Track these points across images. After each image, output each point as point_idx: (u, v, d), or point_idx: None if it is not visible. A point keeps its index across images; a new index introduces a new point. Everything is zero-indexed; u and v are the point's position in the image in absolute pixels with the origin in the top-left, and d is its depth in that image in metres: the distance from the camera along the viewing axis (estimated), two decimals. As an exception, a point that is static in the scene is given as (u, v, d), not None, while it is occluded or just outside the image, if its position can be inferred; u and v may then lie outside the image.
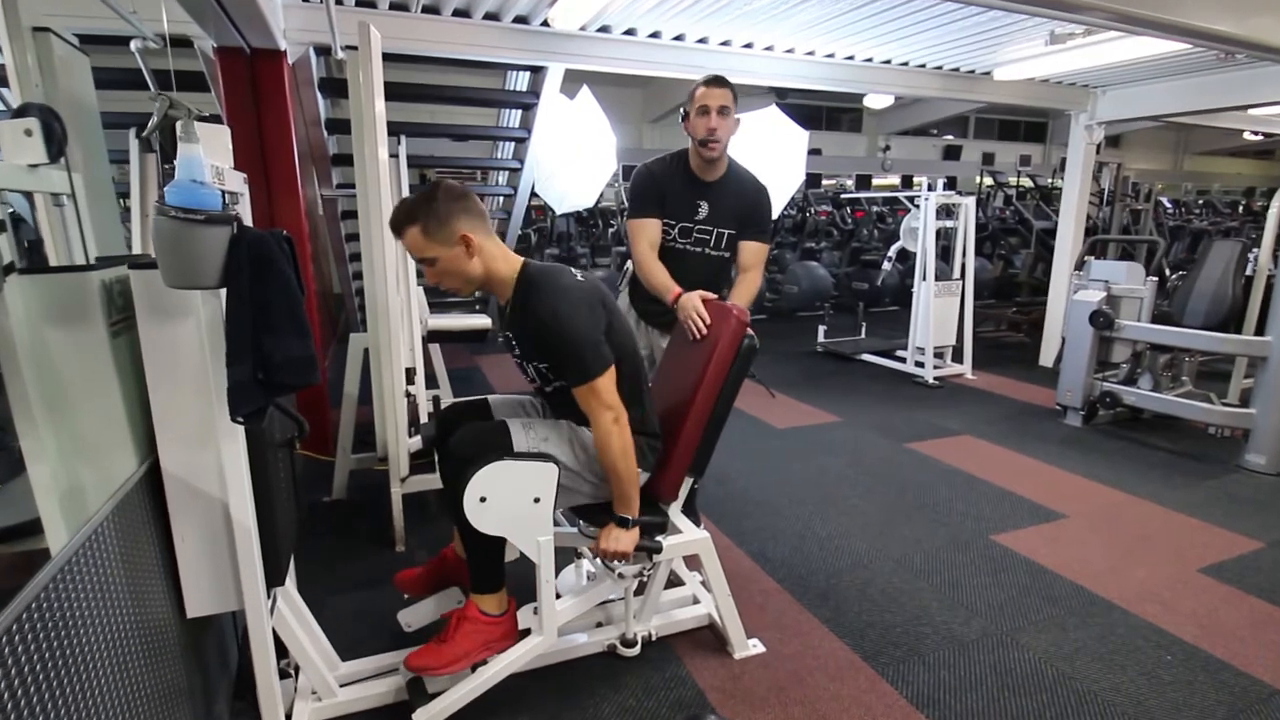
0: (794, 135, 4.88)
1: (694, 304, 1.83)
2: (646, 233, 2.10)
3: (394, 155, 2.75)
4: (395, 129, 2.74)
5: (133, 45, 1.74)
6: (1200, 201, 10.90)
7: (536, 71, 4.02)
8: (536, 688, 1.70)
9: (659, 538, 1.67)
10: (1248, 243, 4.25)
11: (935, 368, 4.82)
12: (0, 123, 1.37)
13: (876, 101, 9.94)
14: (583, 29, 3.42)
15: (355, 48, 2.03)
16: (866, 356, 5.41)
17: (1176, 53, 3.73)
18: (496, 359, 5.45)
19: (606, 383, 1.48)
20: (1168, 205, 9.37)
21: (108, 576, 1.03)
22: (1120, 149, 14.61)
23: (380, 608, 1.95)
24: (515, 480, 1.47)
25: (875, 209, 9.01)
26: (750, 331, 1.69)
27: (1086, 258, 4.14)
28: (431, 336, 3.31)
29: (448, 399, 3.38)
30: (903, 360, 5.07)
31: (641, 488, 1.62)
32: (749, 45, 3.78)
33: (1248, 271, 4.16)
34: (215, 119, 1.48)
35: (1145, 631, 1.97)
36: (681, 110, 2.07)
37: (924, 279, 4.75)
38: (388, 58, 2.20)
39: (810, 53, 3.95)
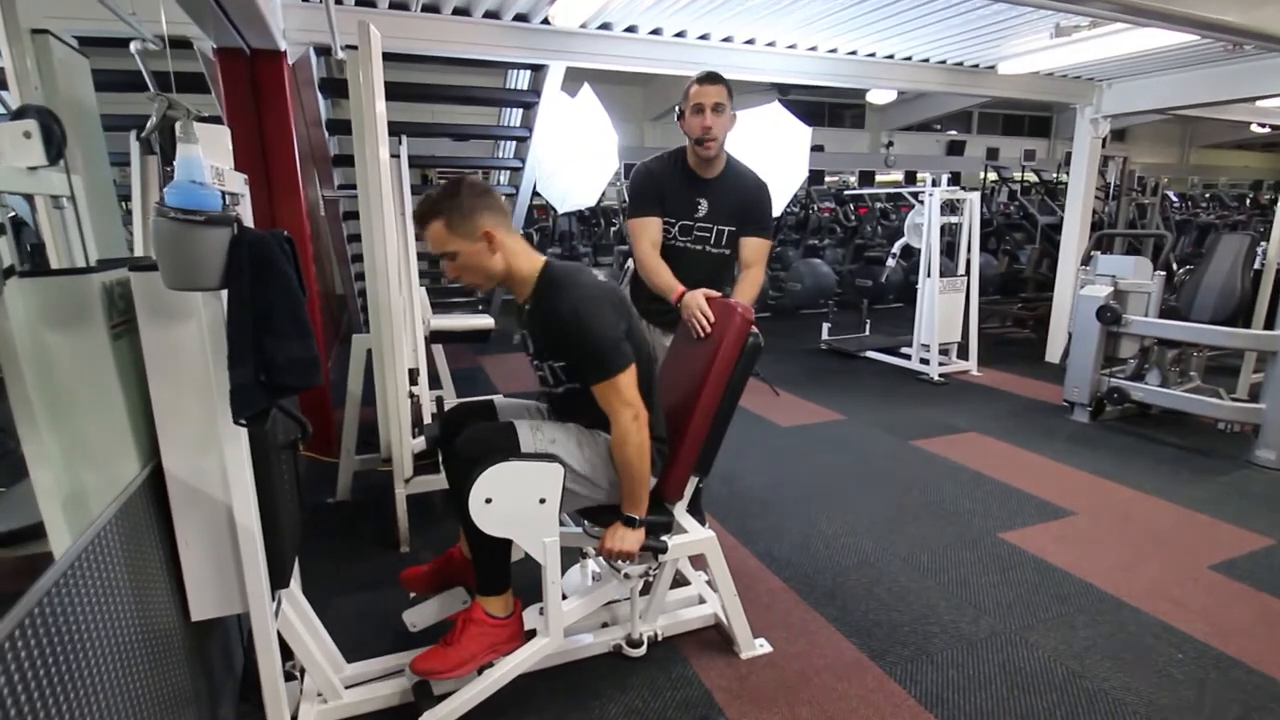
0: (797, 131, 4.86)
1: (698, 302, 1.82)
2: (648, 232, 2.08)
3: (395, 155, 2.73)
4: (396, 129, 2.72)
5: (132, 47, 1.73)
6: (1206, 195, 10.84)
7: (537, 70, 4.01)
8: (542, 688, 1.69)
9: (664, 537, 1.66)
10: (1256, 236, 4.22)
11: (940, 364, 4.79)
12: None
13: (879, 96, 9.89)
14: (583, 26, 3.40)
15: (355, 47, 2.03)
16: (871, 354, 5.39)
17: (1183, 44, 3.70)
18: (499, 359, 5.44)
19: (628, 380, 1.48)
20: (1174, 199, 9.32)
21: (111, 580, 1.03)
22: (1126, 143, 14.54)
23: (385, 609, 1.95)
24: (521, 481, 1.46)
25: (879, 205, 8.98)
26: (755, 329, 1.68)
27: (1093, 252, 4.12)
28: (434, 337, 3.31)
29: (451, 400, 3.38)
30: (907, 357, 5.05)
31: (647, 488, 1.61)
32: (750, 41, 3.77)
33: (1256, 265, 4.13)
34: (215, 120, 1.47)
35: (1156, 629, 1.95)
36: (677, 109, 2.06)
37: (928, 275, 4.72)
38: (388, 57, 2.19)
39: (812, 48, 3.93)
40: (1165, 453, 3.39)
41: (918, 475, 3.09)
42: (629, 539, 1.55)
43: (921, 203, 4.90)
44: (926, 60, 4.25)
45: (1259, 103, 5.09)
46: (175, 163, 1.02)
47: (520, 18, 3.32)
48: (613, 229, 7.81)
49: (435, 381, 3.47)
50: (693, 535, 1.73)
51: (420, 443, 2.49)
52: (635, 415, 1.48)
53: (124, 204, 2.10)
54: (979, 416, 3.95)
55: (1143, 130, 15.16)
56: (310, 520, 2.53)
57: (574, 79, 3.99)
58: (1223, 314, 3.97)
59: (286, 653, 1.44)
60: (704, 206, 2.10)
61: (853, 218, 8.64)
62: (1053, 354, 5.22)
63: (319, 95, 3.69)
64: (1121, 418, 3.89)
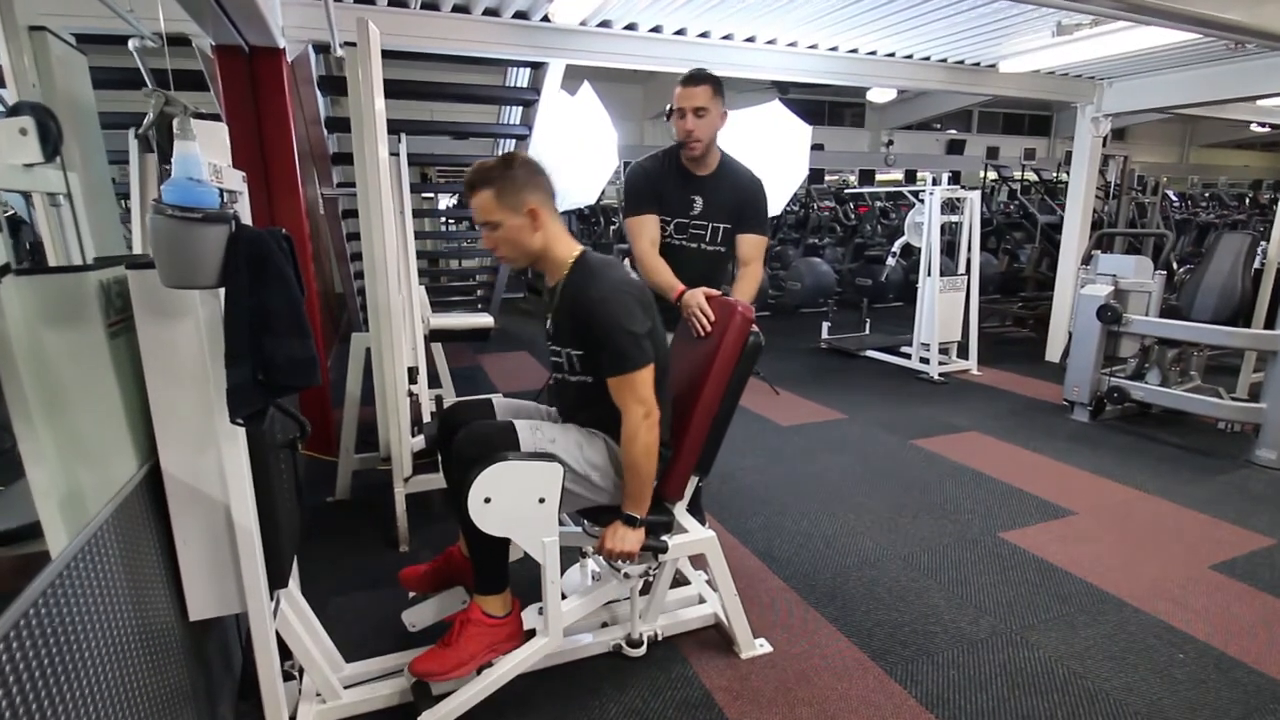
0: (797, 130, 4.85)
1: (698, 301, 1.81)
2: (647, 230, 2.08)
3: (394, 153, 2.73)
4: (395, 127, 2.71)
5: (131, 44, 1.72)
6: (1206, 194, 10.83)
7: (537, 67, 3.99)
8: (541, 689, 1.68)
9: (664, 537, 1.65)
10: (1257, 236, 4.21)
11: (940, 364, 4.79)
12: (-4, 122, 1.35)
13: (880, 95, 9.88)
14: (583, 24, 3.40)
15: (354, 44, 2.02)
16: (871, 353, 5.38)
17: (1185, 43, 3.69)
18: (499, 358, 5.44)
19: (644, 377, 1.48)
20: (1173, 199, 9.31)
21: (108, 580, 1.02)
22: (1125, 142, 14.52)
23: (384, 608, 1.94)
24: (520, 481, 1.46)
25: (878, 204, 8.97)
26: (755, 328, 1.67)
27: (1094, 252, 4.11)
28: (434, 336, 3.30)
29: (450, 398, 3.37)
30: (908, 356, 5.04)
31: (646, 487, 1.60)
32: (750, 39, 3.76)
33: (1256, 264, 4.13)
34: (214, 118, 1.47)
35: (1157, 629, 1.95)
36: (667, 108, 2.05)
37: (929, 274, 4.71)
38: (387, 55, 2.18)
39: (813, 46, 3.92)
40: (1165, 452, 3.39)
41: (918, 475, 3.09)
42: (630, 539, 1.54)
43: (922, 201, 4.89)
44: (927, 59, 4.24)
45: (1259, 102, 5.08)
46: (172, 159, 1.01)
47: (520, 15, 3.31)
48: (612, 227, 7.80)
49: (435, 380, 3.46)
50: (693, 535, 1.72)
51: (419, 442, 2.48)
52: (647, 413, 1.48)
53: (123, 202, 2.09)
54: (979, 416, 3.95)
55: (1142, 129, 15.15)
56: (309, 519, 2.53)
57: (574, 77, 3.98)
58: (1223, 314, 3.97)
59: (285, 652, 1.43)
60: (699, 204, 2.09)
61: (853, 216, 8.62)
62: (1053, 353, 5.22)
63: (318, 93, 3.68)
64: (1122, 417, 3.88)
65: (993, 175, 9.16)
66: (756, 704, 1.65)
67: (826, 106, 14.02)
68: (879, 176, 13.36)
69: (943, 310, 4.72)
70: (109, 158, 1.90)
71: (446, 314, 3.79)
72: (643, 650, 1.81)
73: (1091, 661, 1.80)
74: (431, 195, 9.93)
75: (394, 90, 2.29)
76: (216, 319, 1.15)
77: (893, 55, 4.15)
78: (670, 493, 1.71)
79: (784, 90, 9.82)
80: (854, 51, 4.03)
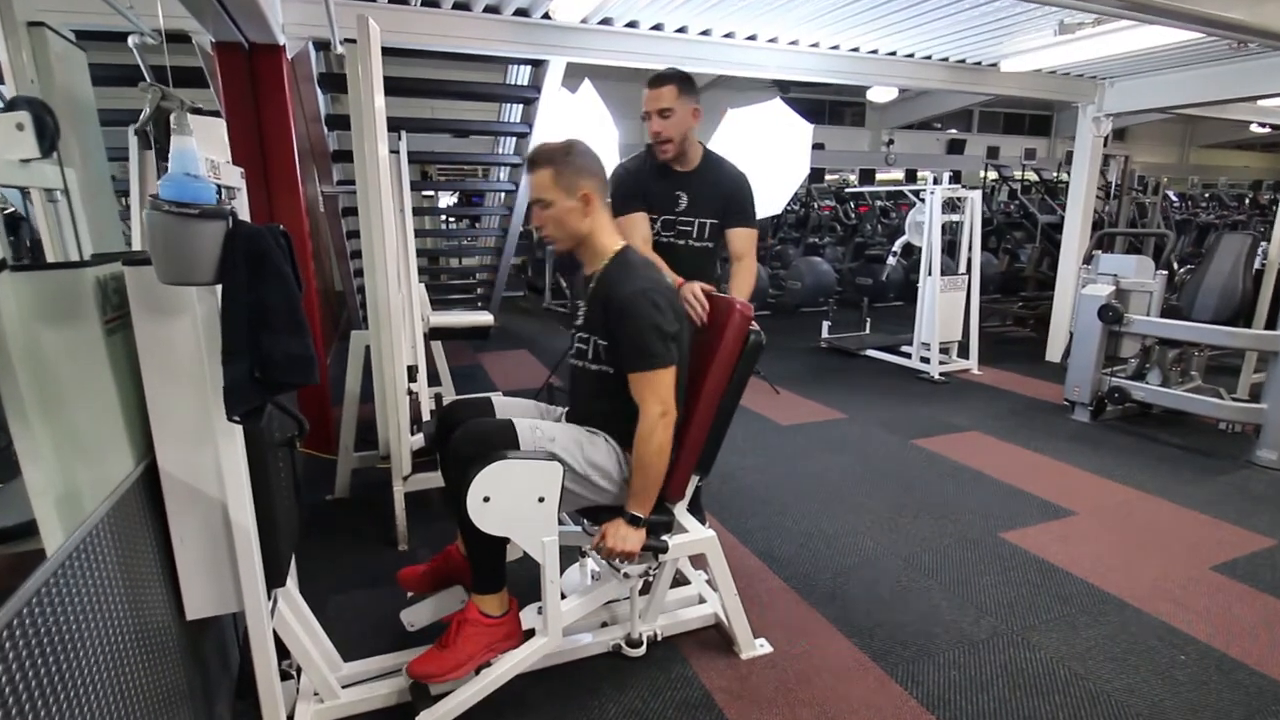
0: (798, 129, 4.84)
1: (694, 289, 1.80)
2: (638, 228, 2.07)
3: (394, 151, 2.71)
4: (396, 124, 2.70)
5: (130, 41, 1.71)
6: (1206, 195, 10.83)
7: (538, 65, 3.99)
8: (540, 689, 1.68)
9: (665, 537, 1.64)
10: (1257, 236, 4.21)
11: (941, 363, 4.78)
12: (-7, 117, 1.35)
13: (880, 94, 9.86)
14: (584, 22, 3.39)
15: (354, 42, 2.01)
16: (871, 352, 5.37)
17: (1187, 42, 3.68)
18: (499, 356, 5.43)
19: (666, 377, 1.50)
20: (1174, 199, 9.31)
21: (105, 578, 1.01)
22: (1126, 142, 14.52)
23: (383, 607, 1.93)
24: (519, 480, 1.45)
25: (879, 204, 8.97)
26: (755, 326, 1.66)
27: (1095, 252, 4.10)
28: (434, 334, 3.29)
29: (450, 396, 3.36)
30: (908, 356, 5.03)
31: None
32: (752, 37, 3.74)
33: (1257, 265, 4.12)
34: (213, 114, 1.46)
35: (1158, 630, 1.94)
36: (643, 111, 2.03)
37: (929, 274, 4.71)
38: (387, 52, 2.18)
39: (814, 45, 3.91)
40: (1166, 452, 3.38)
41: (918, 474, 3.08)
42: (630, 538, 1.53)
43: (923, 201, 4.88)
44: (928, 57, 4.23)
45: (1260, 102, 5.08)
46: (169, 155, 1.00)
47: (520, 12, 3.30)
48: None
49: (434, 379, 3.45)
50: (693, 534, 1.72)
51: (419, 440, 2.48)
52: (664, 413, 1.50)
53: (123, 199, 2.09)
54: (980, 415, 3.94)
55: (1143, 130, 15.15)
56: (308, 517, 2.52)
57: (574, 75, 3.97)
58: (1224, 314, 3.97)
59: (283, 651, 1.43)
60: (684, 200, 2.09)
61: (853, 216, 8.62)
62: (1053, 353, 5.21)
63: (318, 90, 3.67)
64: (1122, 417, 3.88)
65: (993, 175, 9.15)
66: (756, 704, 1.64)
67: (827, 106, 14.02)
68: (879, 176, 13.36)
69: (943, 310, 4.71)
70: (109, 155, 1.90)
71: (446, 312, 3.78)
72: (642, 650, 1.81)
73: (1093, 662, 1.80)
74: (432, 193, 9.90)
75: (394, 87, 2.29)
76: (214, 316, 1.15)
77: (894, 54, 4.13)
78: (671, 492, 1.70)
79: (785, 89, 9.81)
80: (855, 50, 4.02)
